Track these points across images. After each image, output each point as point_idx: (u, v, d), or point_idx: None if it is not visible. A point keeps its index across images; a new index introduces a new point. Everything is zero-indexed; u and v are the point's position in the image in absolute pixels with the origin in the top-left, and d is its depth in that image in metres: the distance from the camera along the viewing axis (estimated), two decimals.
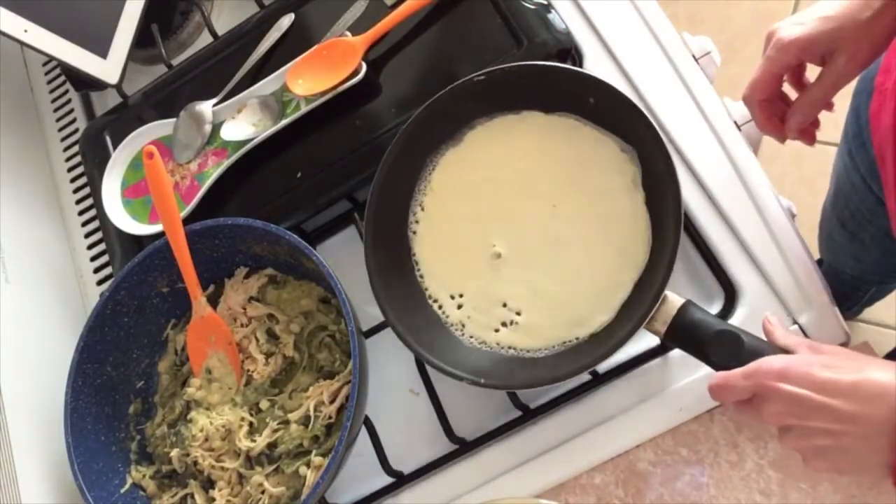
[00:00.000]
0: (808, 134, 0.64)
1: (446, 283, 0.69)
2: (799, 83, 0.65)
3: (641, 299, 0.60)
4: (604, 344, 0.61)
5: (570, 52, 0.73)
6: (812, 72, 0.62)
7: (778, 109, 0.64)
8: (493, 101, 0.69)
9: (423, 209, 0.71)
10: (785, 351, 0.54)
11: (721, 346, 0.55)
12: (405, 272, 0.69)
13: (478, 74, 0.68)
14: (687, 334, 0.57)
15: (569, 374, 0.61)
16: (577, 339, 0.63)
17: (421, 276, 0.69)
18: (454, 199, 0.70)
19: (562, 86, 0.67)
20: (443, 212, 0.70)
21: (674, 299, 0.58)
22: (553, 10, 0.74)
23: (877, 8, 0.57)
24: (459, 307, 0.67)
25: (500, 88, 0.68)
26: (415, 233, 0.71)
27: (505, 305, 0.66)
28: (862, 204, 0.88)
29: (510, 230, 0.68)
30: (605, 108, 0.65)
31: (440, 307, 0.68)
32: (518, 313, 0.66)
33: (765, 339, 0.56)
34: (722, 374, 0.53)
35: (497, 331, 0.66)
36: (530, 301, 0.66)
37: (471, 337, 0.66)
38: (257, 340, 0.72)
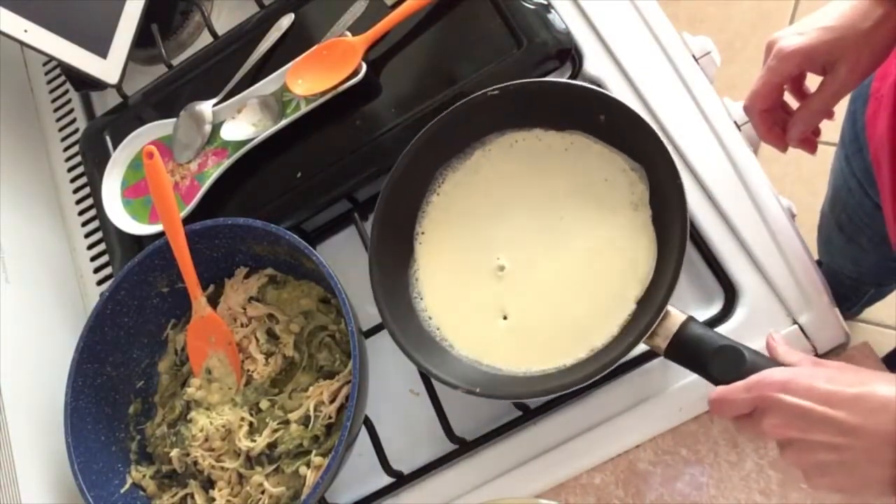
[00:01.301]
0: (809, 143, 0.64)
1: (446, 299, 0.68)
2: (799, 92, 0.64)
3: (643, 314, 0.61)
4: (603, 356, 0.61)
5: (570, 52, 0.73)
6: (812, 80, 0.62)
7: (779, 118, 0.64)
8: (504, 116, 0.69)
9: (429, 220, 0.71)
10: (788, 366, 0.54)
11: (723, 362, 0.55)
12: (407, 284, 0.70)
13: (492, 89, 0.68)
14: (689, 350, 0.57)
15: (564, 388, 0.61)
16: (576, 354, 0.63)
17: (420, 296, 0.69)
18: (461, 213, 0.70)
19: (574, 103, 0.67)
20: (449, 224, 0.70)
21: (676, 315, 0.58)
22: (553, 10, 0.73)
23: (877, 17, 0.57)
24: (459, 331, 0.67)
25: (513, 104, 0.68)
26: (420, 244, 0.71)
27: (506, 318, 0.66)
28: (859, 208, 0.88)
29: (515, 244, 0.68)
30: (616, 126, 0.65)
31: (435, 324, 0.68)
32: (518, 329, 0.66)
33: (766, 354, 0.56)
34: (722, 387, 0.53)
35: (494, 350, 0.66)
36: (534, 316, 0.66)
37: (465, 354, 0.66)
38: (257, 340, 0.72)
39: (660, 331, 0.58)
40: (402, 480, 0.69)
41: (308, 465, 0.66)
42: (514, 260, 0.67)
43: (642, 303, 0.62)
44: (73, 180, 0.93)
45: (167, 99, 0.84)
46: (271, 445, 0.68)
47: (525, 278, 0.67)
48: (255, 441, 0.67)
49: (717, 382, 0.55)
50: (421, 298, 0.69)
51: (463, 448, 0.68)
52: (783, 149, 0.65)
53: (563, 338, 0.64)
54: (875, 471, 0.46)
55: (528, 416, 0.67)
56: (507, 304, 0.66)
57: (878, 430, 0.45)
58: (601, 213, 0.66)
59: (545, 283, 0.66)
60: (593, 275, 0.65)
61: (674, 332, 0.57)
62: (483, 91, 0.68)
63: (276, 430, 0.67)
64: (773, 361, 0.55)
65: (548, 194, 0.68)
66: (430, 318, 0.68)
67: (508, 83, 0.68)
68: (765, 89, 0.61)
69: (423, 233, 0.71)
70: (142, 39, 0.88)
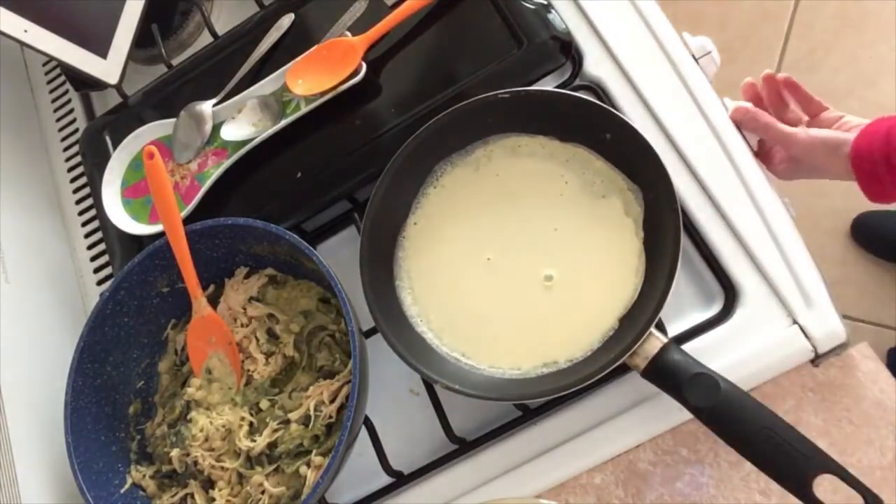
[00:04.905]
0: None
1: (432, 297, 0.69)
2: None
3: (626, 333, 0.62)
4: (583, 369, 0.62)
5: (570, 52, 0.73)
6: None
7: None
8: (511, 120, 0.70)
9: (423, 212, 0.71)
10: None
11: (698, 388, 0.57)
12: (394, 275, 0.70)
13: (503, 92, 0.68)
14: (666, 373, 0.59)
15: (537, 395, 0.63)
16: (555, 362, 0.64)
17: (409, 290, 0.70)
18: (456, 208, 0.71)
19: (583, 118, 0.67)
20: (442, 217, 0.71)
21: (657, 337, 0.59)
22: (553, 10, 0.74)
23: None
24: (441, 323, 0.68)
25: (521, 109, 0.69)
26: (413, 235, 0.71)
27: (490, 321, 0.67)
28: None
29: (506, 246, 0.68)
30: (621, 147, 0.66)
31: (421, 320, 0.69)
32: (502, 330, 0.66)
33: (743, 388, 0.57)
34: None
35: (479, 348, 0.66)
36: (517, 319, 0.66)
37: (451, 352, 0.67)
38: (257, 340, 0.72)
39: (640, 352, 0.59)
40: (402, 480, 0.69)
41: (308, 464, 0.66)
42: (503, 261, 0.68)
43: (625, 321, 0.63)
44: (73, 180, 0.93)
45: (167, 99, 0.84)
46: (271, 445, 0.68)
47: (511, 281, 0.67)
48: (255, 441, 0.67)
49: (689, 406, 0.57)
50: (409, 290, 0.70)
51: (463, 448, 0.68)
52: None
53: (542, 345, 0.65)
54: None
55: (528, 416, 0.67)
56: (491, 304, 0.67)
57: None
58: (594, 228, 0.67)
59: (530, 288, 0.66)
60: (579, 287, 0.66)
61: (653, 355, 0.59)
62: (494, 93, 0.68)
63: (276, 430, 0.67)
64: (746, 393, 0.56)
65: (544, 202, 0.69)
66: (416, 312, 0.69)
67: (520, 89, 0.68)
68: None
69: (415, 223, 0.71)
70: (142, 39, 0.88)
